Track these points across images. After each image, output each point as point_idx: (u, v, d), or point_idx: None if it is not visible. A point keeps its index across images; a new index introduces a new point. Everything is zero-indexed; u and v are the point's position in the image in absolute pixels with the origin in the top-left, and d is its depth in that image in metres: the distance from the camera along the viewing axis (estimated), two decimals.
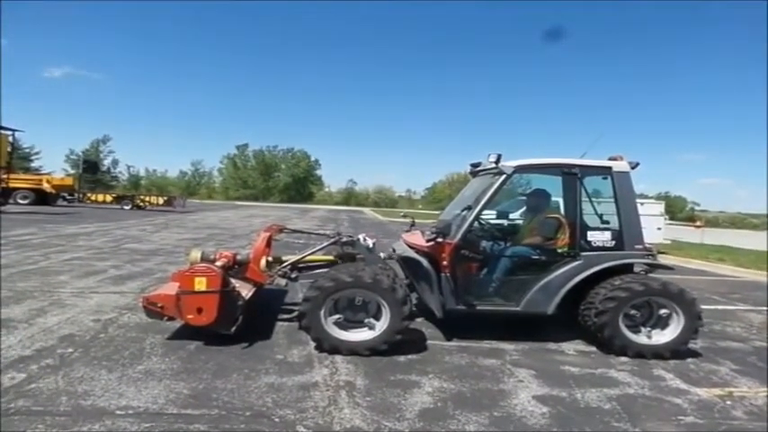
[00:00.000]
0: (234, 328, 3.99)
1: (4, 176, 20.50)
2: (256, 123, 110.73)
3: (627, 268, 4.60)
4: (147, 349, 3.86)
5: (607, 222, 4.67)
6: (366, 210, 53.29)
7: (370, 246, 4.87)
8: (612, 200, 4.62)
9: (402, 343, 4.03)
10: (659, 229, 14.94)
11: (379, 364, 3.80)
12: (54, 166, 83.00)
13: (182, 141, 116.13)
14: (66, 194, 27.34)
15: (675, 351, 4.33)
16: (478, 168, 5.41)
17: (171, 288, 4.08)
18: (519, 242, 4.97)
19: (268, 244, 5.18)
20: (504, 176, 4.52)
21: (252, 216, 26.48)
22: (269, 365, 3.67)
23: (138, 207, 28.01)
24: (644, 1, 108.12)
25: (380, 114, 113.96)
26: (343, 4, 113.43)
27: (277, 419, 2.82)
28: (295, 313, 4.51)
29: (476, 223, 4.70)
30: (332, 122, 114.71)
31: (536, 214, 5.00)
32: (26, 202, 24.23)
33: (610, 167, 4.65)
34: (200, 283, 3.84)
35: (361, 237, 4.98)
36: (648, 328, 4.41)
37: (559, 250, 4.58)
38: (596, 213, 4.74)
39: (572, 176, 4.63)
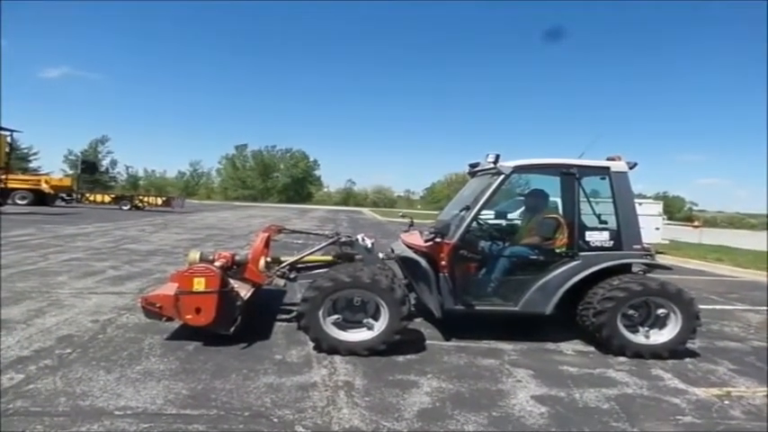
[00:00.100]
0: (232, 329, 3.98)
1: (3, 177, 20.52)
2: (255, 124, 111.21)
3: (625, 268, 4.61)
4: (145, 350, 3.86)
5: (605, 222, 4.69)
6: (365, 210, 53.30)
7: (369, 246, 4.87)
8: (611, 200, 4.63)
9: (401, 343, 4.03)
10: (657, 229, 14.96)
11: (377, 365, 3.80)
12: (52, 166, 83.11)
13: (180, 142, 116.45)
14: (64, 195, 27.35)
15: (673, 351, 4.33)
16: (477, 168, 5.42)
17: (169, 288, 4.08)
18: (517, 242, 4.97)
19: (267, 244, 5.17)
20: (502, 176, 4.52)
21: (250, 216, 26.46)
22: (268, 366, 3.67)
23: (137, 207, 27.99)
24: (644, 1, 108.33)
25: (379, 114, 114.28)
26: (343, 4, 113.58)
27: (276, 420, 2.82)
28: (294, 313, 4.52)
29: (474, 223, 4.70)
30: (331, 123, 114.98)
31: (534, 214, 5.00)
32: (24, 202, 24.18)
33: (608, 168, 4.65)
34: (199, 284, 3.84)
35: (359, 237, 4.98)
36: (647, 328, 4.42)
37: (558, 250, 4.59)
38: (594, 213, 4.75)
39: (570, 176, 4.63)
